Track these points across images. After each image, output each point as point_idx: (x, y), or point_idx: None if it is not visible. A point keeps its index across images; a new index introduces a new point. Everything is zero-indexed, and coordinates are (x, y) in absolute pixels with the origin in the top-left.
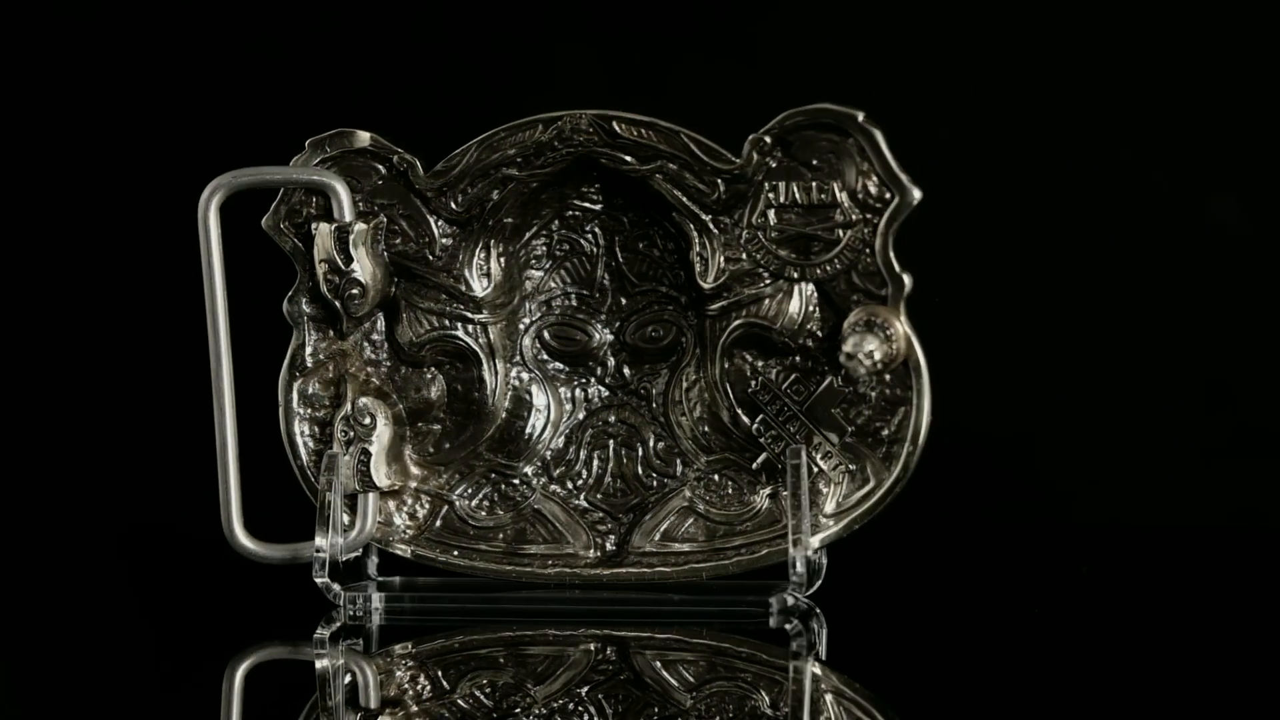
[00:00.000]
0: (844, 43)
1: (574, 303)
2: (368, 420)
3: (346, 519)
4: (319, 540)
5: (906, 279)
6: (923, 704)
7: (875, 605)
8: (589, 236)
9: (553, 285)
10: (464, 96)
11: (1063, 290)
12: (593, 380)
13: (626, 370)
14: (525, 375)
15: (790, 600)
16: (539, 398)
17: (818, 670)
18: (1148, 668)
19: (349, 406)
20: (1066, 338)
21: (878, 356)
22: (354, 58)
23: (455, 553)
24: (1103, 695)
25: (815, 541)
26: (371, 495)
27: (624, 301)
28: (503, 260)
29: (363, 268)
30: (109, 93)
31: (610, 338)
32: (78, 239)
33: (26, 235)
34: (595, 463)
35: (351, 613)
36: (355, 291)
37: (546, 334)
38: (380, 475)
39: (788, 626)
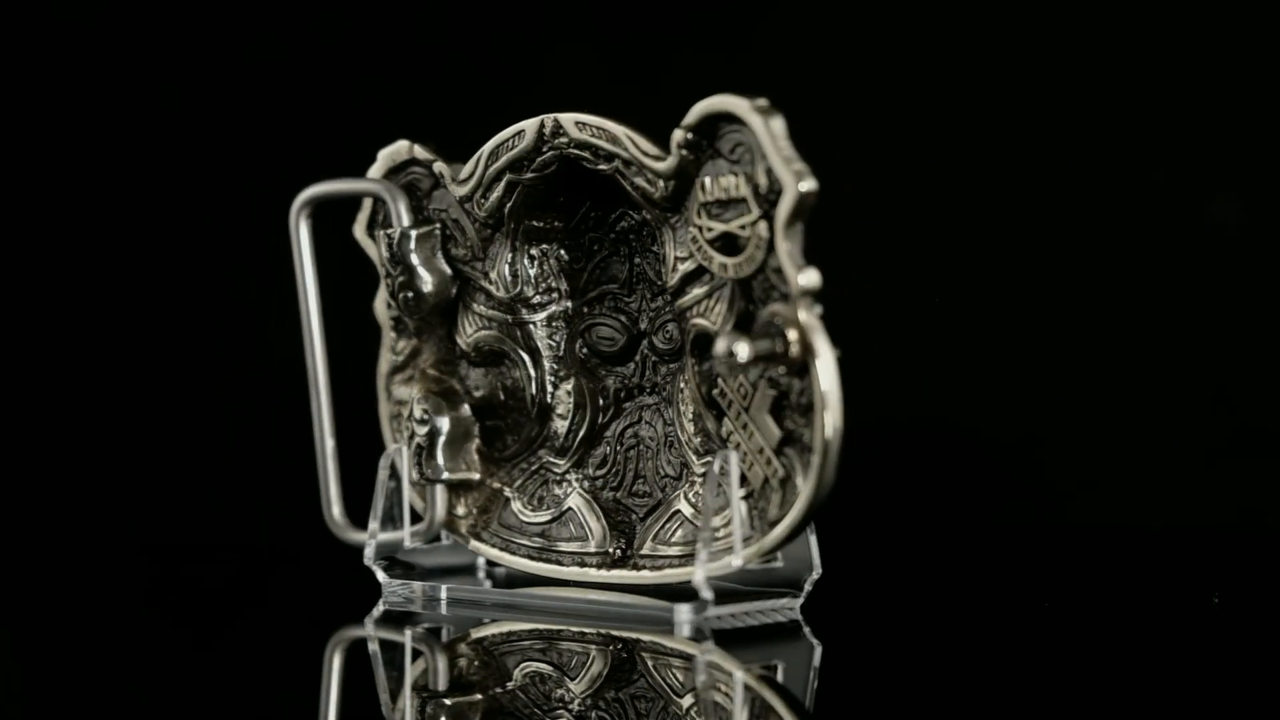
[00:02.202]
0: (847, 43)
1: (611, 303)
2: (425, 416)
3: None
4: (371, 526)
5: (804, 278)
6: (920, 707)
7: (875, 605)
8: (615, 236)
9: (590, 285)
10: (492, 100)
11: (1063, 291)
12: (627, 380)
13: (657, 370)
14: (565, 374)
15: (695, 612)
16: (579, 397)
17: (721, 683)
18: (1148, 668)
19: (411, 403)
20: (1067, 338)
21: (743, 357)
22: (408, 69)
23: (504, 547)
24: (1104, 696)
25: (748, 552)
26: (439, 488)
27: (653, 301)
28: (534, 262)
29: (414, 272)
30: (137, 96)
31: (644, 338)
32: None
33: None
34: (626, 463)
35: (397, 598)
36: (410, 294)
37: (586, 334)
38: (436, 469)
39: (691, 637)
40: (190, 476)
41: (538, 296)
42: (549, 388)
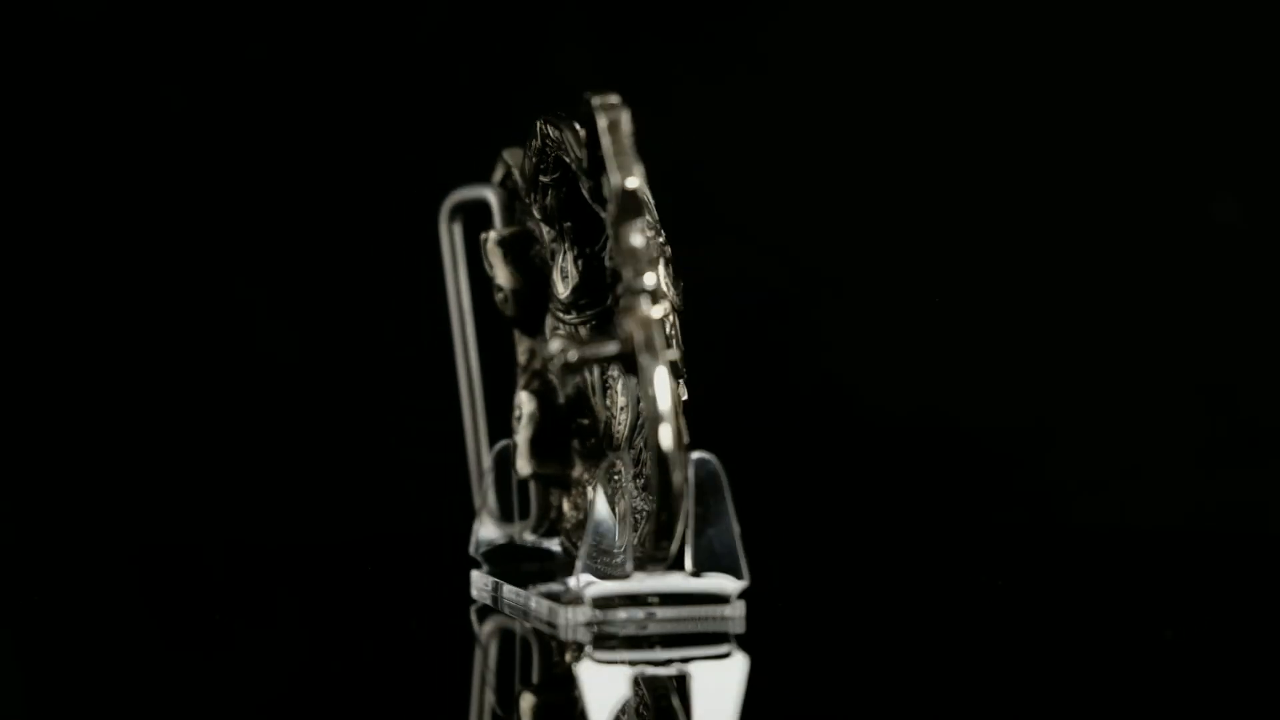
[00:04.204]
0: (848, 44)
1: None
2: (518, 413)
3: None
4: (477, 521)
5: (640, 278)
6: (914, 707)
7: (873, 604)
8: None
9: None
10: (497, 102)
11: (1063, 290)
12: None
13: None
14: (619, 374)
15: (578, 616)
16: (626, 397)
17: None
18: (1148, 669)
19: (515, 401)
20: (1068, 338)
21: (570, 359)
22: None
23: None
24: (1103, 696)
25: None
26: (534, 483)
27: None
28: (580, 262)
29: (505, 273)
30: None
31: None
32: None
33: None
34: (646, 465)
35: (485, 596)
36: (499, 296)
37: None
38: (524, 465)
39: (572, 641)
40: (190, 476)
41: (588, 297)
42: (605, 387)
